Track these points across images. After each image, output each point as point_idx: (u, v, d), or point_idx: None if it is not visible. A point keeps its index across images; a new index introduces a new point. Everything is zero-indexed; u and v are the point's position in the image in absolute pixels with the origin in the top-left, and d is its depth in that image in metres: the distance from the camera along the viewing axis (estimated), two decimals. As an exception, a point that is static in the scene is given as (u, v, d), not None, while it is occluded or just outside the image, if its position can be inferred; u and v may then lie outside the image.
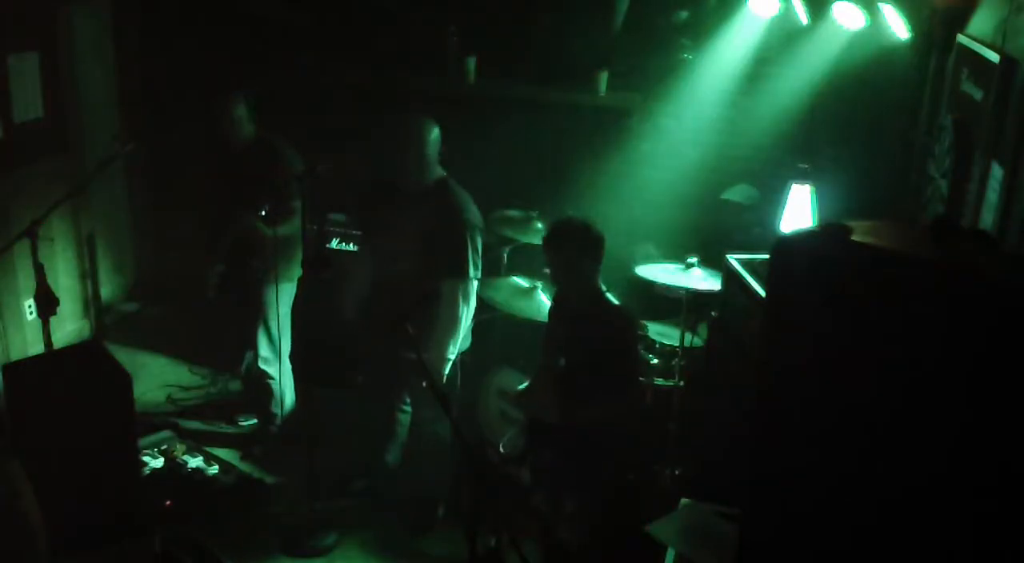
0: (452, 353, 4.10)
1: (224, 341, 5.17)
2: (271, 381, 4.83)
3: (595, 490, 3.64)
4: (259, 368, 4.82)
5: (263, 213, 4.45)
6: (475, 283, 4.13)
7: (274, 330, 4.68)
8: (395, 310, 3.39)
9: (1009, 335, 1.74)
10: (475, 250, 4.08)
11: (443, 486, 4.46)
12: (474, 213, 4.14)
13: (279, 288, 4.63)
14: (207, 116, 4.68)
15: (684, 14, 5.35)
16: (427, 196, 4.11)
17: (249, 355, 4.88)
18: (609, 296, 3.60)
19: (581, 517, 3.64)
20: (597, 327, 3.51)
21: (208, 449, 4.81)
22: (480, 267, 4.14)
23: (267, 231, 4.47)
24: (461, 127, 5.72)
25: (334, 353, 4.89)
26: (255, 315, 4.73)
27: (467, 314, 4.12)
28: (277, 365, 4.80)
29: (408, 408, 4.47)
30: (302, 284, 4.64)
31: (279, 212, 4.48)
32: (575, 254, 3.55)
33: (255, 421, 5.06)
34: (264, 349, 4.78)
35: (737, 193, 4.77)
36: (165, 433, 4.88)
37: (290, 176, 4.45)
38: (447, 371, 4.12)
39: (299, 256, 4.64)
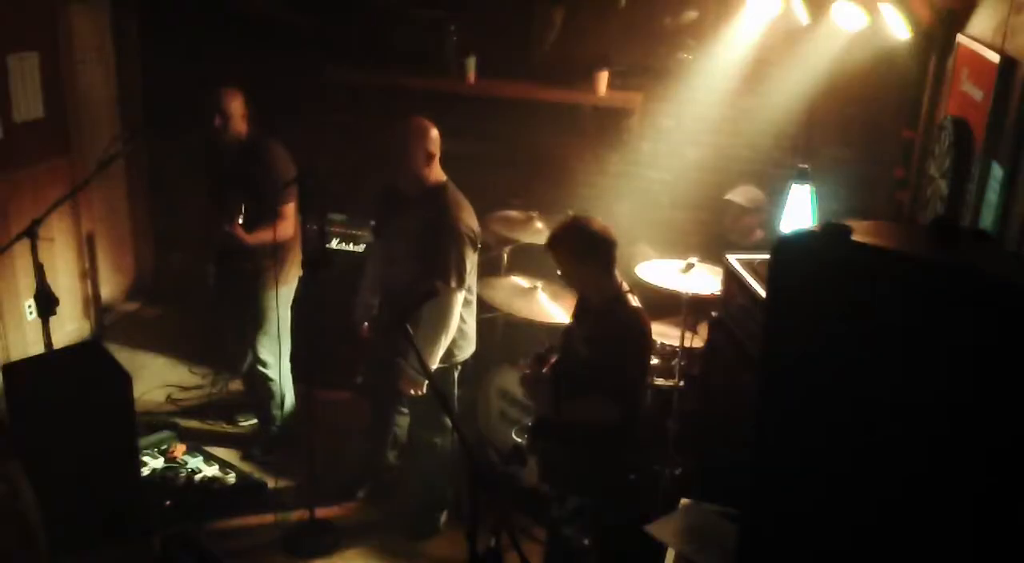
0: (434, 362, 3.94)
1: (224, 341, 5.17)
2: (271, 383, 4.82)
3: (596, 489, 3.64)
4: (259, 370, 4.81)
5: (240, 218, 4.36)
6: (458, 296, 3.94)
7: (273, 333, 4.66)
8: (394, 311, 3.38)
9: (1009, 335, 1.74)
10: (459, 258, 3.89)
11: (445, 493, 4.44)
12: (465, 222, 3.94)
13: (278, 292, 4.60)
14: (199, 111, 4.59)
15: (692, 15, 5.35)
16: (423, 200, 3.99)
17: (250, 356, 4.86)
18: (628, 297, 3.51)
19: (582, 516, 3.64)
20: (609, 328, 3.47)
21: (208, 449, 4.82)
22: (463, 279, 3.93)
23: (244, 236, 4.38)
24: (461, 127, 5.74)
25: (333, 354, 4.89)
26: (253, 317, 4.71)
27: (447, 324, 3.92)
28: (277, 367, 4.79)
29: (406, 410, 4.46)
30: (302, 284, 4.64)
31: (263, 216, 4.41)
32: (570, 257, 3.48)
33: (255, 421, 5.06)
34: (264, 352, 4.76)
35: (740, 194, 4.75)
36: (165, 433, 4.88)
37: (277, 179, 4.36)
38: (425, 386, 3.98)
39: (296, 259, 4.62)
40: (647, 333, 3.51)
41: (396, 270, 4.07)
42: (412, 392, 4.02)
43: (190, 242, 6.11)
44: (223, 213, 4.46)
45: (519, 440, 4.48)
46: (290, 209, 4.50)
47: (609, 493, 3.66)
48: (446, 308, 3.91)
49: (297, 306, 4.70)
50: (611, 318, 3.47)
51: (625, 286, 3.53)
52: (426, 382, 3.92)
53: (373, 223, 4.54)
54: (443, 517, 4.44)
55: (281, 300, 4.64)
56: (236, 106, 4.48)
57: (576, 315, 3.74)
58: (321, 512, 4.32)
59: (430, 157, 3.95)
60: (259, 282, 4.59)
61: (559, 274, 3.62)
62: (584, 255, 3.47)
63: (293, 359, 4.81)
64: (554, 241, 3.52)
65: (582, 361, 3.51)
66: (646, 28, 5.41)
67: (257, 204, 4.43)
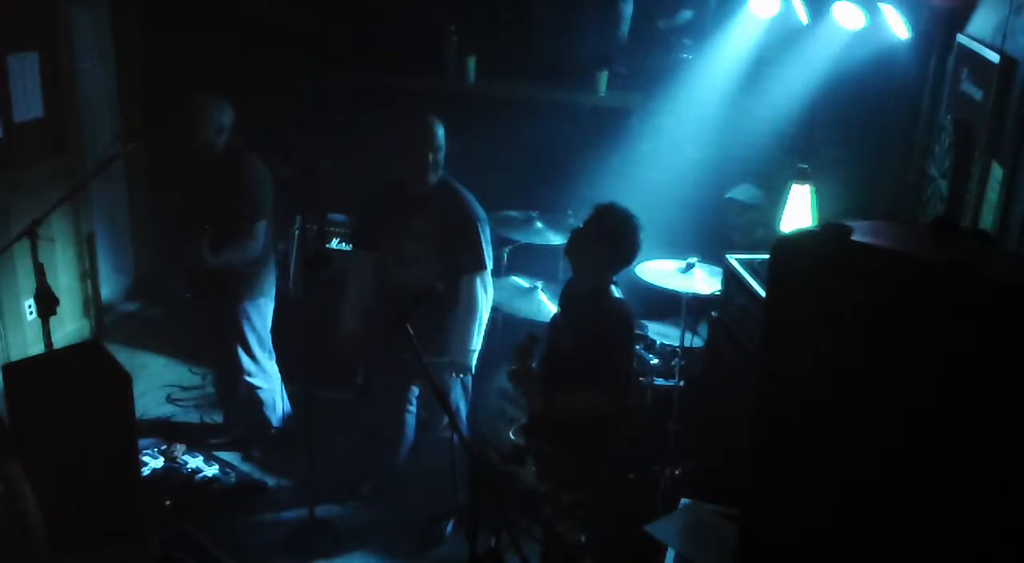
0: (477, 344, 4.18)
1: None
2: (260, 391, 4.74)
3: (593, 486, 3.64)
4: (247, 383, 4.70)
5: (206, 239, 4.20)
6: (490, 275, 4.21)
7: (254, 347, 4.59)
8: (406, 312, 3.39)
9: (1009, 335, 1.74)
10: (487, 242, 4.17)
11: (452, 500, 4.41)
12: (480, 208, 4.21)
13: (249, 311, 4.52)
14: (172, 119, 4.45)
15: (687, 14, 5.35)
16: (434, 197, 4.13)
17: (214, 373, 4.73)
18: (614, 290, 3.55)
19: (580, 513, 3.64)
20: (594, 319, 3.48)
21: (208, 449, 4.81)
22: (492, 259, 4.23)
23: (208, 258, 4.23)
24: (461, 127, 5.73)
25: (334, 355, 4.87)
26: (228, 335, 4.58)
27: (488, 304, 4.20)
28: (263, 375, 4.71)
29: (413, 409, 4.46)
30: (301, 284, 4.61)
31: (232, 234, 4.30)
32: (598, 236, 3.47)
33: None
34: (247, 365, 4.65)
35: (741, 192, 4.77)
36: (164, 433, 4.88)
37: (250, 196, 4.28)
38: (474, 363, 4.20)
39: (269, 276, 4.53)
40: (632, 323, 3.52)
41: (414, 271, 4.14)
42: (460, 376, 4.24)
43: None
44: (190, 232, 4.30)
45: (518, 440, 4.48)
46: (260, 227, 4.36)
47: (603, 490, 3.67)
48: (485, 288, 4.18)
49: (296, 306, 4.69)
50: (596, 309, 3.49)
51: (613, 280, 3.54)
52: (472, 363, 4.20)
53: (356, 228, 4.53)
54: (450, 527, 4.39)
55: (256, 317, 4.55)
56: (214, 120, 4.29)
57: (562, 304, 3.74)
58: (322, 512, 4.31)
59: (440, 154, 4.11)
60: (233, 299, 4.49)
61: (572, 253, 3.57)
62: (607, 245, 3.47)
63: (295, 360, 4.79)
64: (599, 215, 3.52)
65: (568, 353, 3.52)
66: (646, 28, 5.41)
67: (226, 221, 4.29)
